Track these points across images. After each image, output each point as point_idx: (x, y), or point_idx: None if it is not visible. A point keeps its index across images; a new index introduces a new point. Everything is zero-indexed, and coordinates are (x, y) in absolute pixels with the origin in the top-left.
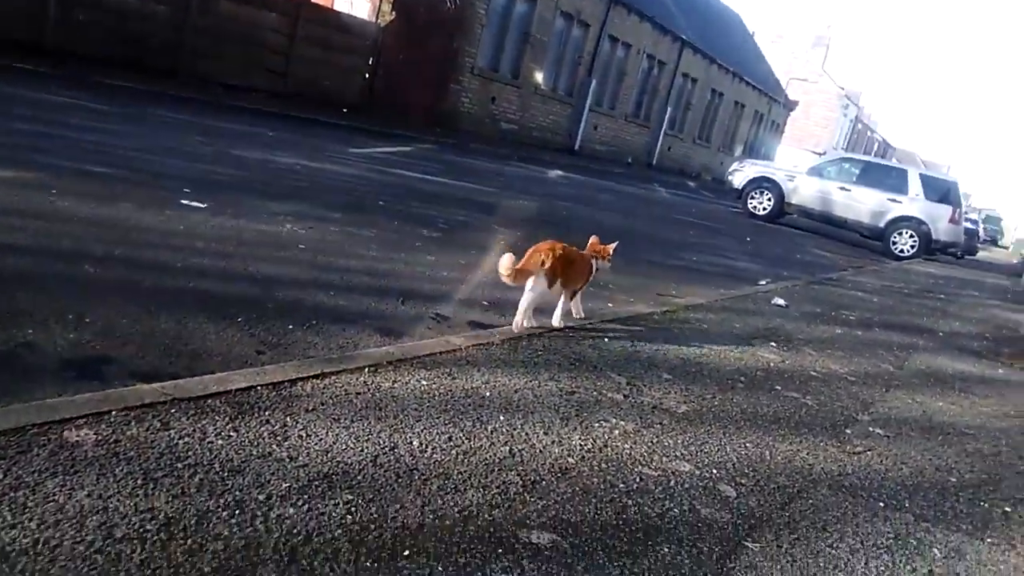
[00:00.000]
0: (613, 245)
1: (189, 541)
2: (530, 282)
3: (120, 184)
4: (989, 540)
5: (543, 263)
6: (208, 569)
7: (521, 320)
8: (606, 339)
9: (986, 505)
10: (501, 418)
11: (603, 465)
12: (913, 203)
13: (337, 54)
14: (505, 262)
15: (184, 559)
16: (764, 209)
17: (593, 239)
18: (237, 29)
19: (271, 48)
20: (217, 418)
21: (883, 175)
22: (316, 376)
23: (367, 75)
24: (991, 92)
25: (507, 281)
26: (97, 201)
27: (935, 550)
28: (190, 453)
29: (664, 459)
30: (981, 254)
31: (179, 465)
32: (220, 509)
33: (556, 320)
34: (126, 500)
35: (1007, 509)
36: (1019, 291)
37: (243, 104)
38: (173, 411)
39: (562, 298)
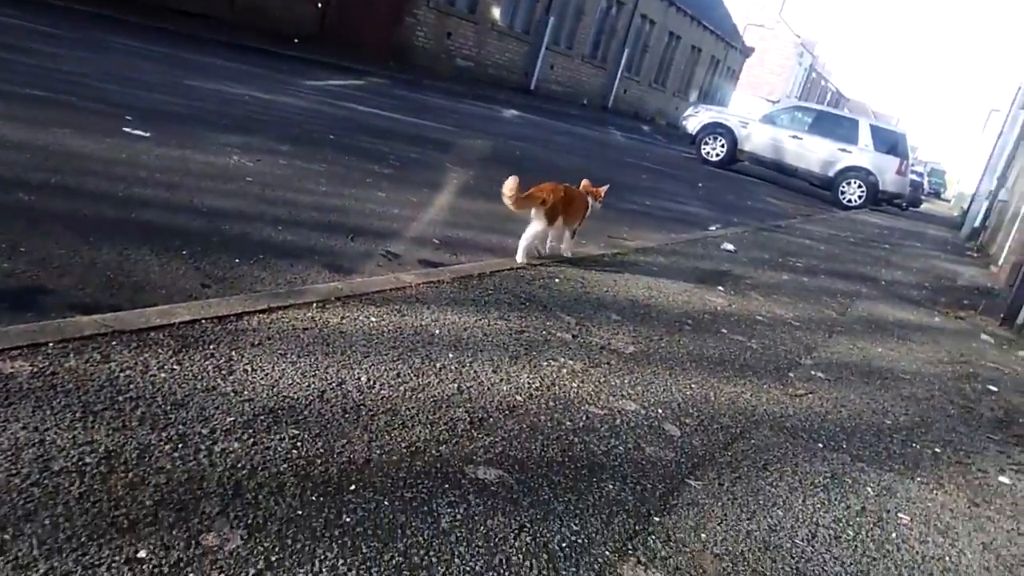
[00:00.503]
0: (605, 188)
1: (130, 475)
2: (533, 219)
3: (59, 110)
4: (919, 479)
5: (543, 201)
6: (150, 503)
7: (522, 255)
8: (556, 280)
9: (917, 447)
10: (450, 356)
11: (550, 403)
12: (862, 153)
13: None
14: (510, 183)
15: (125, 493)
16: (717, 155)
17: (585, 182)
18: None
19: None
20: (160, 351)
21: (834, 125)
22: (263, 311)
23: (319, 4)
24: (941, 49)
25: (508, 203)
26: (33, 126)
27: (868, 488)
28: (131, 386)
29: (611, 398)
30: (925, 206)
31: (120, 398)
32: (162, 443)
33: (553, 251)
34: (64, 433)
35: (937, 450)
36: (958, 243)
37: (191, 32)
38: (114, 344)
39: (565, 231)
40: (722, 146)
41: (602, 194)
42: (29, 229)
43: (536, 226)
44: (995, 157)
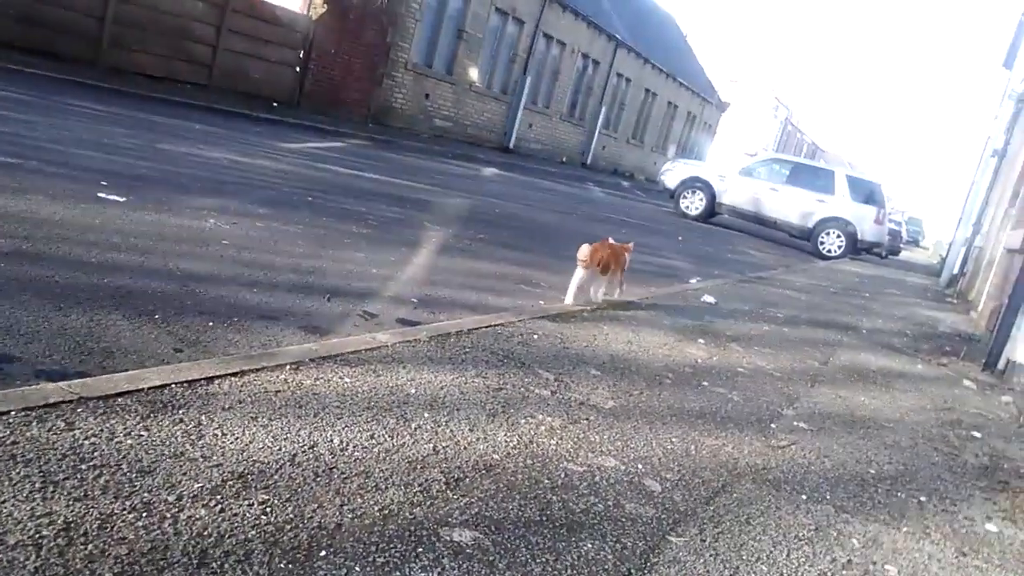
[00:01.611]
0: (631, 244)
1: (89, 547)
2: (583, 270)
3: (32, 176)
4: (905, 529)
5: (600, 260)
6: (110, 575)
7: (570, 296)
8: (535, 336)
9: (903, 496)
10: (426, 415)
11: (528, 461)
12: (840, 204)
13: (267, 47)
14: (585, 250)
15: (83, 565)
16: (696, 209)
17: (611, 240)
18: (161, 18)
19: (197, 39)
20: (127, 417)
21: (811, 176)
22: (235, 374)
23: (298, 69)
24: (913, 101)
25: (582, 265)
26: (4, 193)
27: (854, 540)
28: (96, 454)
29: (590, 455)
30: (904, 254)
31: (83, 467)
32: (126, 512)
33: (606, 296)
34: (21, 504)
35: (922, 499)
36: (938, 290)
37: (168, 96)
38: (80, 411)
39: (608, 278)
40: (701, 200)
41: (631, 248)
42: None
43: (582, 274)
44: (969, 204)
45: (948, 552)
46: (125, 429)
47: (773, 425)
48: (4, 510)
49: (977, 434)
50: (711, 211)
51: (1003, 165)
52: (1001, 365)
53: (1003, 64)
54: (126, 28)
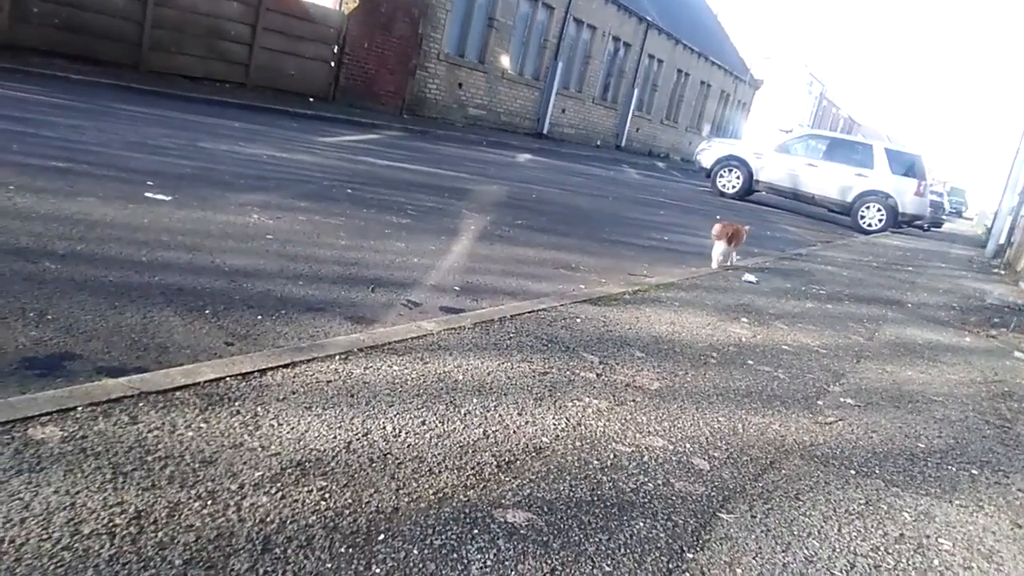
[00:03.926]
0: (748, 226)
1: (160, 534)
2: (720, 243)
3: (82, 179)
4: (957, 503)
5: (728, 234)
6: (179, 561)
7: (715, 263)
8: (578, 320)
9: (953, 469)
10: (474, 401)
11: (577, 443)
12: (879, 177)
13: (301, 43)
14: (717, 228)
15: (155, 552)
16: (733, 187)
17: (728, 221)
18: (197, 20)
19: (234, 39)
20: (186, 410)
21: (849, 151)
22: (286, 365)
23: (332, 64)
24: (952, 68)
25: (721, 241)
26: (58, 197)
27: (905, 514)
28: (160, 446)
29: (638, 435)
30: (947, 226)
31: (149, 458)
32: (191, 500)
33: (730, 261)
34: (94, 495)
35: (974, 472)
36: (984, 261)
37: (207, 96)
38: (141, 405)
39: (733, 250)
40: (737, 178)
41: (747, 228)
42: (56, 297)
43: (720, 247)
44: (1015, 172)
45: (1003, 524)
46: (185, 422)
47: (820, 402)
48: (79, 500)
49: None
50: (748, 189)
51: None
52: None
53: None
54: (165, 31)
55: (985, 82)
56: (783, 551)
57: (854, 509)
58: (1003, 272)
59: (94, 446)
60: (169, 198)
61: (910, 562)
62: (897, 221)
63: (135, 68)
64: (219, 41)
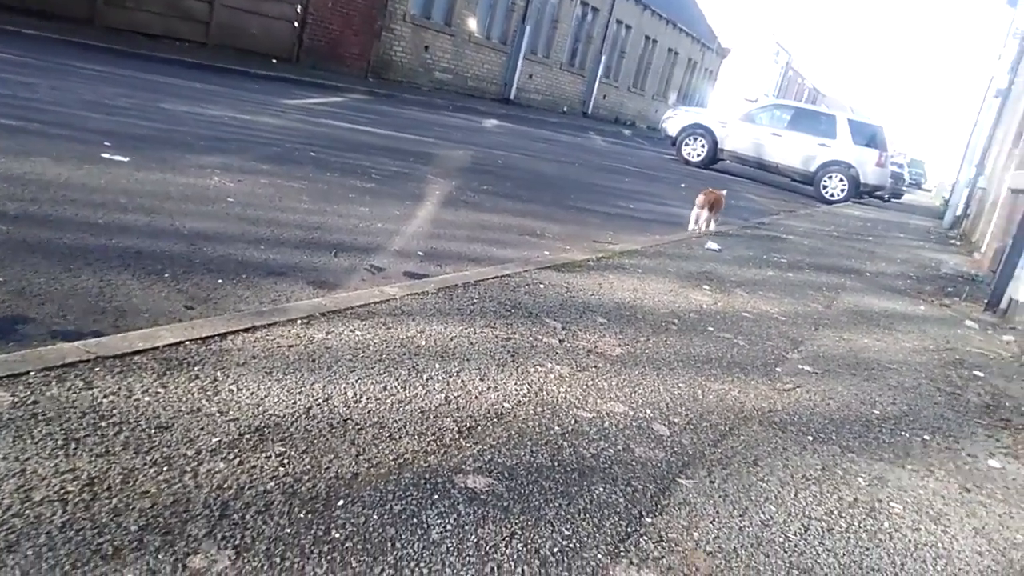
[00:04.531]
0: (724, 192)
1: (114, 500)
2: (700, 209)
3: (34, 138)
4: (909, 467)
5: (710, 202)
6: (135, 528)
7: (691, 228)
8: (542, 286)
9: (907, 435)
10: (436, 366)
11: (538, 409)
12: (842, 147)
13: (265, 2)
14: (700, 197)
15: (109, 519)
16: (698, 156)
17: (711, 190)
18: None
19: None
20: (144, 375)
21: (813, 121)
22: (247, 329)
23: (296, 24)
24: (914, 42)
25: (698, 206)
26: (8, 156)
27: (859, 479)
28: (115, 411)
29: (599, 401)
30: (906, 197)
31: (103, 424)
32: (147, 467)
33: (712, 228)
34: (45, 462)
35: (926, 438)
36: (941, 232)
37: (166, 55)
38: (97, 370)
39: (712, 217)
40: (703, 146)
41: (724, 195)
42: (8, 259)
43: (700, 213)
44: (972, 145)
45: (952, 488)
46: (142, 387)
47: (778, 369)
48: (28, 467)
49: (979, 373)
50: (713, 157)
51: (1007, 105)
52: (1004, 304)
53: (1007, 2)
54: None
55: (946, 56)
56: (740, 516)
57: (810, 475)
58: (959, 243)
59: (46, 411)
60: (127, 159)
61: (862, 525)
62: (859, 191)
63: (91, 24)
64: None
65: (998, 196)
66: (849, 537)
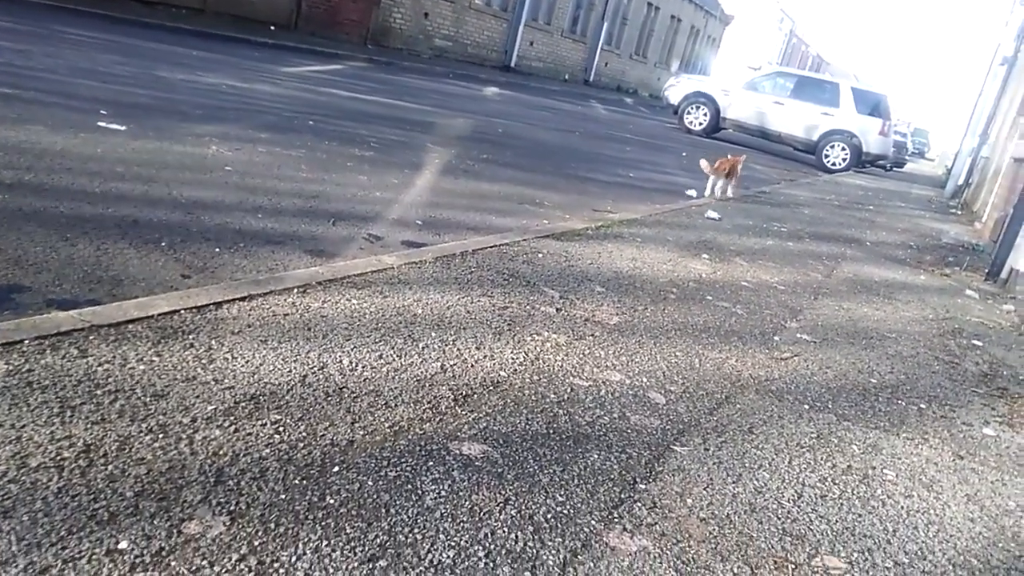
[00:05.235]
0: (743, 157)
1: (109, 467)
2: (715, 176)
3: (30, 106)
4: (904, 435)
5: (722, 167)
6: (130, 494)
7: (710, 193)
8: (540, 255)
9: (903, 403)
10: (433, 335)
11: (534, 377)
12: (844, 116)
13: None
14: (704, 163)
15: (105, 485)
16: (700, 124)
17: (731, 156)
18: None
19: None
20: (139, 343)
21: (816, 89)
22: (243, 298)
23: None
24: (919, 10)
25: (707, 171)
26: (3, 124)
27: (854, 447)
28: (110, 380)
29: (595, 369)
30: (909, 166)
31: (98, 392)
32: (142, 434)
33: (730, 194)
34: (41, 429)
35: (922, 406)
36: (943, 201)
37: (163, 22)
38: (92, 338)
39: (731, 182)
40: (705, 115)
41: (742, 160)
42: (4, 228)
43: (716, 180)
44: (976, 114)
45: (945, 456)
46: (137, 355)
47: (776, 337)
48: (24, 434)
49: (978, 342)
50: (715, 126)
51: (1013, 73)
52: (1004, 274)
53: None
54: None
55: (952, 23)
56: (734, 482)
57: (805, 442)
58: (960, 212)
59: (41, 380)
60: (123, 128)
61: (855, 491)
62: (861, 160)
63: None
64: None
65: (1000, 165)
66: (842, 504)
